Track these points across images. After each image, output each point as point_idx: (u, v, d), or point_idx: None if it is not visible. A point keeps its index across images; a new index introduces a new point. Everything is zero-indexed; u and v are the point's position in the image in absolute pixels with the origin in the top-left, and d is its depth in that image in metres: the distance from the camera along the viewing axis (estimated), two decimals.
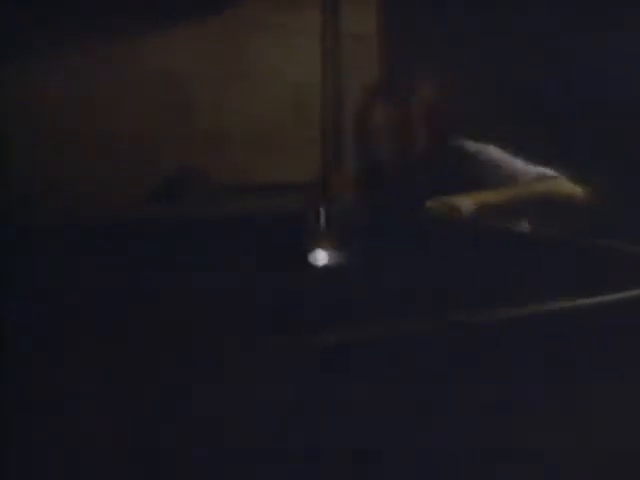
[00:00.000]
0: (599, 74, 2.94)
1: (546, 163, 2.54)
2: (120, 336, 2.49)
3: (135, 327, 2.56)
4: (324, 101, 3.37)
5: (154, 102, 3.05)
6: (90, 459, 1.34)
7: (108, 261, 2.77)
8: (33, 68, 2.85)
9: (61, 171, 2.93)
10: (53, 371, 2.09)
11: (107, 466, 1.35)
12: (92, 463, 1.33)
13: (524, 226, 2.39)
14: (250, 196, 3.15)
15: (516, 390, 1.61)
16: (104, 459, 1.34)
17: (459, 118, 2.37)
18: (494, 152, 2.33)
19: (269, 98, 3.27)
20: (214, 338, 2.51)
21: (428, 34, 3.21)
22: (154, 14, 2.98)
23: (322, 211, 2.79)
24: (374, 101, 2.33)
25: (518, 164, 2.31)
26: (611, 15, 2.91)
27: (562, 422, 1.64)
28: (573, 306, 1.68)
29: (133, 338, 2.47)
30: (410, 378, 1.54)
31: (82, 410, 1.36)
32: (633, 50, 2.91)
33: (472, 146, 2.34)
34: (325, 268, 2.72)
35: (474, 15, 3.10)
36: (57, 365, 2.19)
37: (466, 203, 2.34)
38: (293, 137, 3.32)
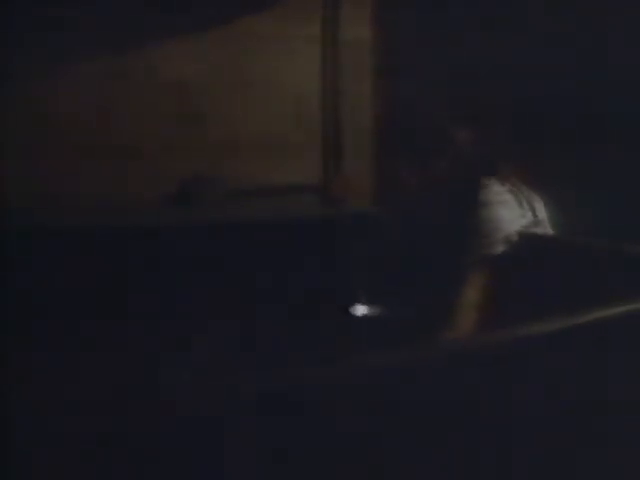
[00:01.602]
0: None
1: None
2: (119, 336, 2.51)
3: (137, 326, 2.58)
4: (324, 108, 3.40)
5: (165, 111, 3.09)
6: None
7: (120, 264, 2.79)
8: (47, 76, 2.88)
9: (75, 178, 2.94)
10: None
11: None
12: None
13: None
14: (256, 199, 3.18)
15: None
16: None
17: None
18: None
19: (273, 106, 3.28)
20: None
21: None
22: (166, 29, 3.03)
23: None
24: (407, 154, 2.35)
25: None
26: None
27: None
28: None
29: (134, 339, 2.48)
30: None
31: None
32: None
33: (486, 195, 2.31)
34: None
35: None
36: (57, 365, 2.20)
37: None
38: (296, 143, 3.35)
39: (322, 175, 3.44)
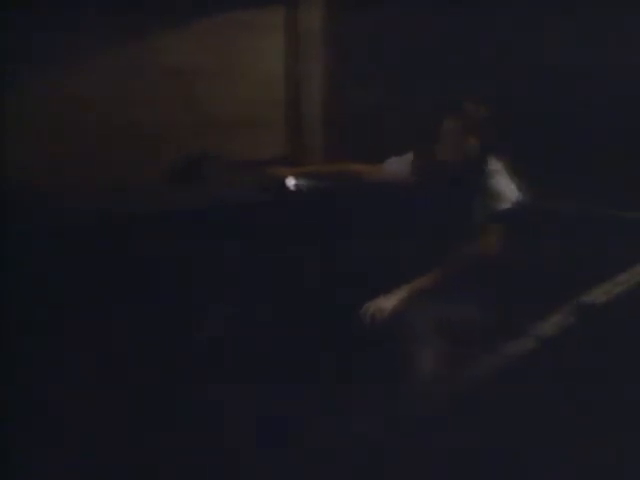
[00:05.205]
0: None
1: None
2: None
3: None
4: (294, 90, 3.77)
5: (162, 94, 3.38)
6: None
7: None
8: (50, 66, 3.10)
9: (80, 159, 3.18)
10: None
11: None
12: None
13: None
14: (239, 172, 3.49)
15: None
16: None
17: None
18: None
19: (253, 89, 3.62)
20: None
21: None
22: (162, 19, 3.32)
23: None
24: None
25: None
26: None
27: None
28: None
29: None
30: None
31: None
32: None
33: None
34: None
35: None
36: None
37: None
38: (273, 121, 3.72)
39: (288, 147, 3.83)
